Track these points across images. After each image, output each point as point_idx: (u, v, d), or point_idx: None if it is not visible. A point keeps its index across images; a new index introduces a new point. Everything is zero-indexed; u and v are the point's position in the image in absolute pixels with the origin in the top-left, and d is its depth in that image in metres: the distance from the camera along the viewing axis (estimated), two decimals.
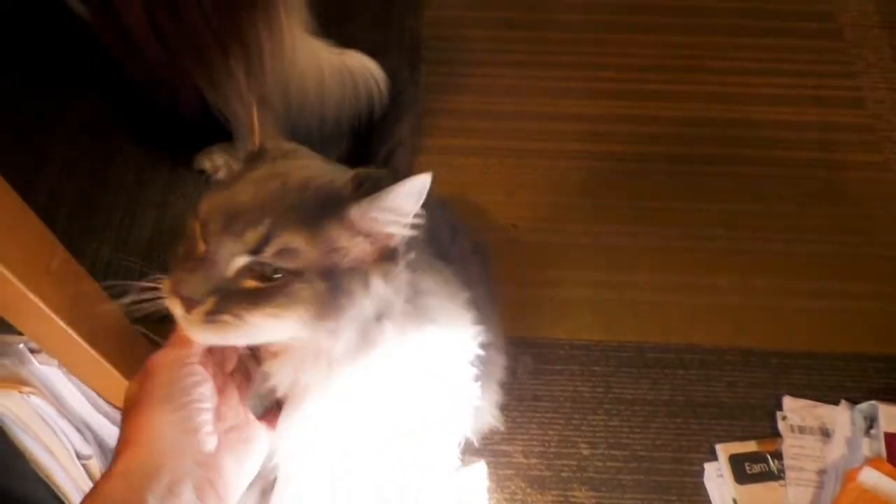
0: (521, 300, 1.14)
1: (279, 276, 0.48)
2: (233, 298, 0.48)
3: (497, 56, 1.45)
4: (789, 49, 1.45)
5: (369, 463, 0.62)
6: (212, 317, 0.48)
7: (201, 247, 0.49)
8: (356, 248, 0.51)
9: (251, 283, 0.49)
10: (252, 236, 0.48)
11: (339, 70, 1.10)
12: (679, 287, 1.16)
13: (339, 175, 0.53)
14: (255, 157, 0.55)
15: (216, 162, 1.22)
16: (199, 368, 0.52)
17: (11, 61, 1.34)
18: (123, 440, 0.49)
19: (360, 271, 0.51)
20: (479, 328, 0.66)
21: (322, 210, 0.50)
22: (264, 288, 0.48)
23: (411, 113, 1.25)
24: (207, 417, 0.51)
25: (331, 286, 0.49)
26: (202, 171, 1.24)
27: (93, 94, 1.33)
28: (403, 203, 0.50)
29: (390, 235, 0.52)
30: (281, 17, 0.98)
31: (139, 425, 0.49)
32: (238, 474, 0.53)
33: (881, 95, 1.39)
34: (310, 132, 1.16)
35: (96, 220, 1.20)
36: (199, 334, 0.50)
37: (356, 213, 0.50)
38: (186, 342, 0.52)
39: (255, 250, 0.48)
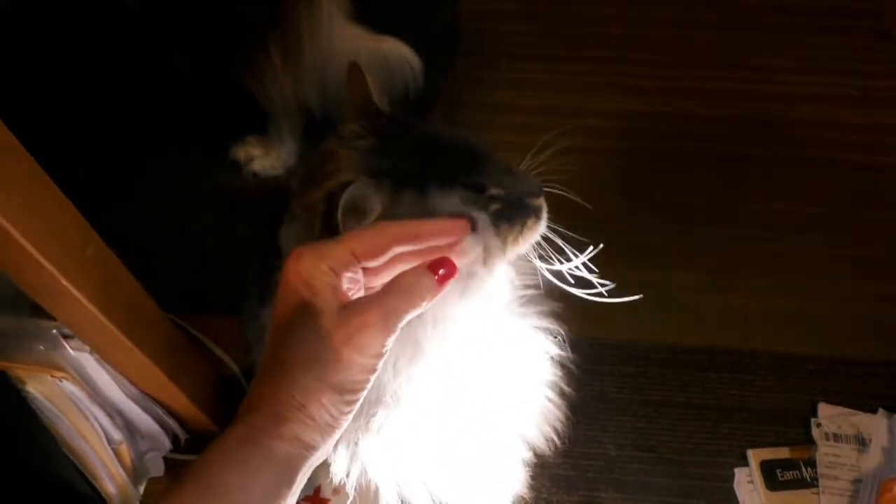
0: None
1: None
2: None
3: (531, 50, 1.44)
4: (834, 47, 1.42)
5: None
6: None
7: None
8: None
9: None
10: None
11: (376, 56, 1.09)
12: (713, 288, 1.14)
13: None
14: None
15: (250, 152, 1.23)
16: None
17: (55, 49, 1.36)
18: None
19: None
20: None
21: None
22: None
23: (442, 104, 1.24)
24: None
25: None
26: (235, 162, 1.25)
27: (129, 84, 1.34)
28: None
29: None
30: (321, 2, 0.98)
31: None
32: None
33: None
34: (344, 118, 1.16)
35: (129, 209, 1.21)
36: None
37: None
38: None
39: None
